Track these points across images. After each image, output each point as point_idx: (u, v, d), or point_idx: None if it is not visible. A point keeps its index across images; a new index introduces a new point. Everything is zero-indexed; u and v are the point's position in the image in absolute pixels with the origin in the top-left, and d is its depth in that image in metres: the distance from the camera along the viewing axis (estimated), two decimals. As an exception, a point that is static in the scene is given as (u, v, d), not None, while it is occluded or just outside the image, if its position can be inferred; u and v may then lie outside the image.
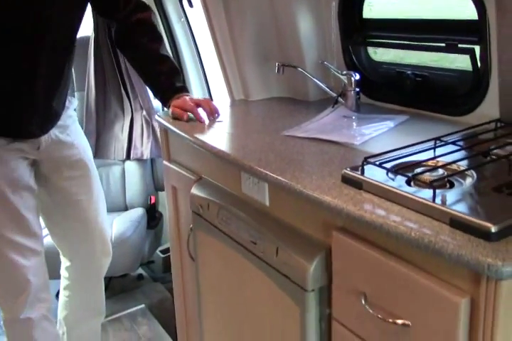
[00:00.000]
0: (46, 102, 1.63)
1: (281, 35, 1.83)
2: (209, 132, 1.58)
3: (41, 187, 1.75)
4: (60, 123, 1.72)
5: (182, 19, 2.85)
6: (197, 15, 2.82)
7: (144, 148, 2.57)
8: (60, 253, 1.95)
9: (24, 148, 1.63)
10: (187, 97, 1.67)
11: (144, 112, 2.61)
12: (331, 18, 1.78)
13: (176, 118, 1.65)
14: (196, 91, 2.77)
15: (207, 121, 1.63)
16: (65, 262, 1.95)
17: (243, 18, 1.84)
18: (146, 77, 1.77)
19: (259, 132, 1.52)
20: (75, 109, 1.89)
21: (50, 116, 1.68)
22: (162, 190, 2.63)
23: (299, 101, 1.86)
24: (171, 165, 1.76)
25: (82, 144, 1.83)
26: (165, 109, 1.77)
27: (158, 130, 2.47)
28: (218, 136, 1.54)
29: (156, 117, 1.76)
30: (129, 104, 2.64)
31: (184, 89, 1.71)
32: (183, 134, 1.56)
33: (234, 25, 1.86)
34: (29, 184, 1.66)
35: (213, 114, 1.65)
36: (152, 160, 2.75)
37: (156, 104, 2.64)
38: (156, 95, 1.79)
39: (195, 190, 1.56)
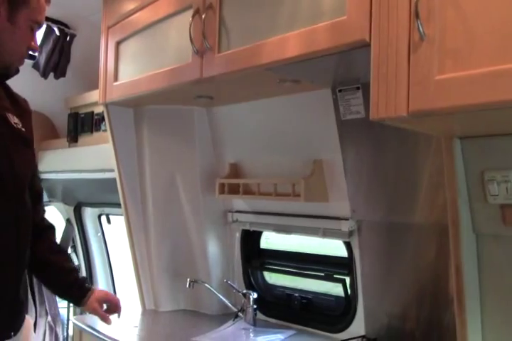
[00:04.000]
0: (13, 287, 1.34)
1: (192, 256, 2.17)
2: (125, 335, 1.77)
3: None
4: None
5: (99, 234, 3.15)
6: (113, 230, 3.16)
7: (42, 355, 2.56)
8: None
9: None
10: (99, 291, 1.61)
11: (49, 318, 2.68)
12: (235, 246, 2.17)
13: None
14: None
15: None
16: None
17: (161, 239, 2.18)
18: (55, 271, 1.57)
19: (169, 337, 1.73)
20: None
21: (18, 309, 1.37)
22: None
23: (204, 314, 2.12)
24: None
25: None
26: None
27: (60, 337, 2.53)
28: (134, 337, 1.76)
29: (73, 319, 1.91)
30: (34, 309, 2.71)
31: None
32: (100, 335, 1.73)
33: (151, 245, 2.19)
34: None
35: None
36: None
37: (62, 312, 2.74)
38: (67, 294, 1.61)
39: None
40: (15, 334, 1.33)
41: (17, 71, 1.42)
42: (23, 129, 1.41)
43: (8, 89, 1.46)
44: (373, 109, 1.10)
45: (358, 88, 1.51)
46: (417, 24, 0.99)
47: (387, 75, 1.07)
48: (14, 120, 1.39)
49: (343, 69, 1.43)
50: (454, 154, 1.26)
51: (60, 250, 1.65)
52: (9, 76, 1.42)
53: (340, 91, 1.56)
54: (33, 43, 1.40)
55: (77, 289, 1.56)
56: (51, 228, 1.60)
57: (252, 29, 1.43)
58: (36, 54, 1.45)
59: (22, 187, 1.37)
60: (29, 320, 1.51)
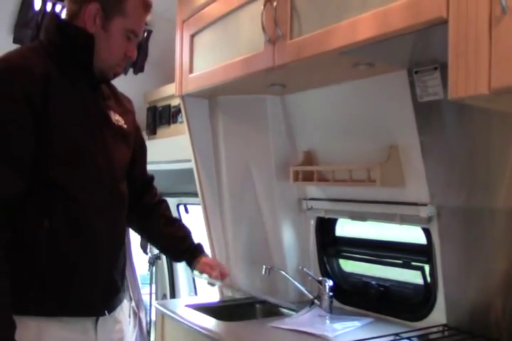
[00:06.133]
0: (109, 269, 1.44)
1: (267, 243, 2.19)
2: (205, 319, 1.83)
3: None
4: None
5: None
6: (191, 219, 3.25)
7: (128, 338, 2.69)
8: None
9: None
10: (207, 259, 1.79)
11: (133, 303, 2.80)
12: (310, 233, 2.17)
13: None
14: (183, 285, 3.03)
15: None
16: None
17: (237, 226, 2.22)
18: (170, 241, 1.75)
19: (247, 323, 1.78)
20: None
21: (112, 289, 1.45)
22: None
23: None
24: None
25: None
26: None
27: (144, 321, 2.65)
28: (212, 324, 1.79)
29: (155, 304, 1.99)
30: (118, 295, 2.85)
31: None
32: (181, 319, 1.79)
33: (228, 232, 2.23)
34: None
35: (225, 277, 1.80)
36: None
37: (145, 298, 2.86)
38: (181, 255, 1.79)
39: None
40: (109, 313, 1.41)
41: (116, 75, 1.46)
42: (125, 126, 1.50)
43: (112, 88, 1.55)
44: (452, 88, 1.07)
45: (435, 68, 1.46)
46: (498, -4, 0.96)
47: (466, 52, 1.04)
48: (115, 117, 1.48)
49: (420, 50, 1.39)
50: (541, 134, 1.20)
51: (173, 221, 1.78)
52: (109, 79, 1.48)
53: (416, 72, 1.52)
54: (128, 53, 1.42)
55: (189, 255, 1.76)
56: (162, 202, 1.77)
57: (323, 13, 1.43)
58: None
59: (118, 178, 1.46)
60: (127, 304, 1.63)
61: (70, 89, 1.36)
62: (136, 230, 1.88)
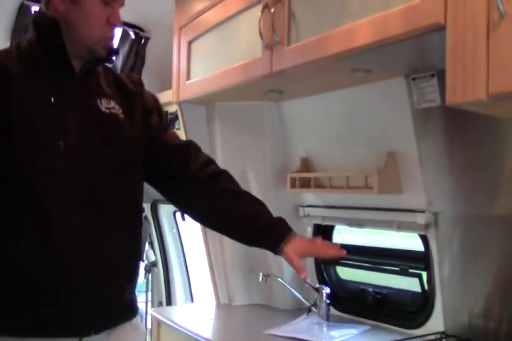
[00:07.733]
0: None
1: (264, 250, 2.14)
2: (201, 326, 1.82)
3: None
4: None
5: (174, 230, 3.24)
6: (187, 226, 3.24)
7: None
8: None
9: None
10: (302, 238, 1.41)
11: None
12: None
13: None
14: (179, 292, 3.01)
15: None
16: None
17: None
18: (242, 221, 1.43)
19: (244, 330, 1.75)
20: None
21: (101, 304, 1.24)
22: None
23: (276, 309, 2.13)
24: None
25: None
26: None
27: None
28: (209, 329, 1.80)
29: (151, 312, 1.98)
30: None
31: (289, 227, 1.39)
32: (177, 327, 1.78)
33: (225, 239, 2.21)
34: None
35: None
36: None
37: (141, 305, 2.83)
38: (263, 241, 1.42)
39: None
40: (96, 333, 1.22)
41: (110, 53, 1.30)
42: (121, 115, 1.32)
43: (109, 72, 1.39)
44: (450, 93, 1.07)
45: (432, 75, 1.47)
46: (496, 2, 0.96)
47: (464, 58, 1.04)
48: (109, 105, 1.31)
49: (417, 56, 1.40)
50: (539, 140, 1.20)
51: (238, 195, 1.43)
52: (105, 59, 1.31)
53: (414, 79, 1.52)
54: (110, 19, 1.27)
55: (270, 240, 1.37)
56: (219, 175, 1.46)
57: (321, 19, 1.43)
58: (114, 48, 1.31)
59: (101, 175, 1.27)
60: (140, 327, 1.37)
61: (37, 82, 1.23)
62: (193, 216, 1.52)
